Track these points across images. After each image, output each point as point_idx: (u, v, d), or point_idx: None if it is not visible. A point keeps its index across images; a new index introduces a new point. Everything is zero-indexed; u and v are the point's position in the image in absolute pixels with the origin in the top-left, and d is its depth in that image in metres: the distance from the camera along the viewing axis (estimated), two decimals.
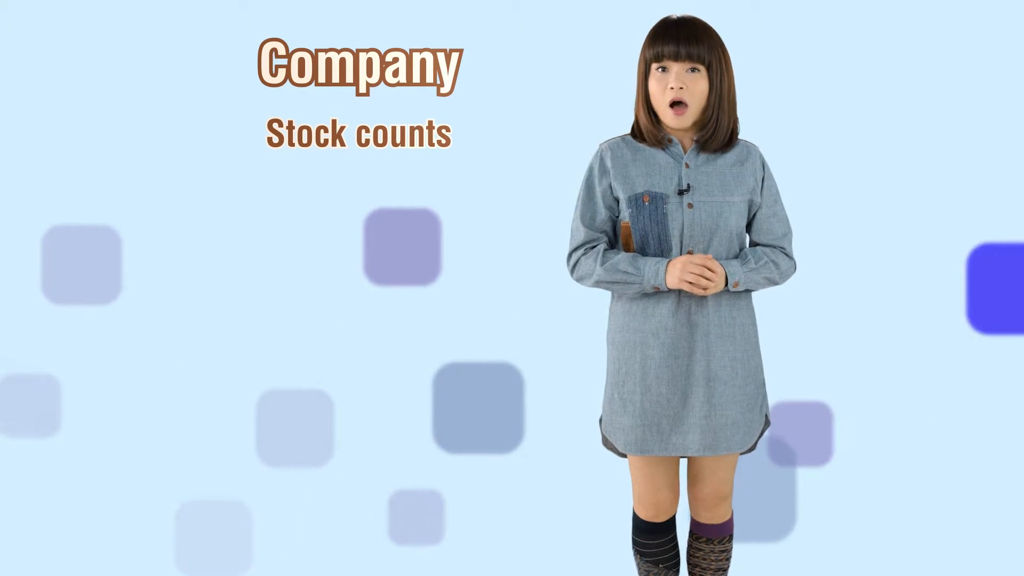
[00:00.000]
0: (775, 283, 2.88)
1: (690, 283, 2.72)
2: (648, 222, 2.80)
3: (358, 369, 3.85)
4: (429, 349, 3.83)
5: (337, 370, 3.84)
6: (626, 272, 2.77)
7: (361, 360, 3.85)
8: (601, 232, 2.85)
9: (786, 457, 3.79)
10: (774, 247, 2.88)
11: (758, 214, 2.87)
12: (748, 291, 2.87)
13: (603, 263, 2.79)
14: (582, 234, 2.85)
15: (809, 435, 3.81)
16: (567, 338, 3.75)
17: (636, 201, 2.80)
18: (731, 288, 2.78)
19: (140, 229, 3.80)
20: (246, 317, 3.83)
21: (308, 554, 3.72)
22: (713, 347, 2.80)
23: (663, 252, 2.80)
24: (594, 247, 2.84)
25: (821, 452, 3.82)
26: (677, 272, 2.72)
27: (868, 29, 3.78)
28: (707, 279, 2.72)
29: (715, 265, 2.73)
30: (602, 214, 2.85)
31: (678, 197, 2.80)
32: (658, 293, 2.79)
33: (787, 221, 2.91)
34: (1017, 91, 3.80)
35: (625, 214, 2.82)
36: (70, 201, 3.78)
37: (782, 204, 2.91)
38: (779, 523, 3.76)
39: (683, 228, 2.79)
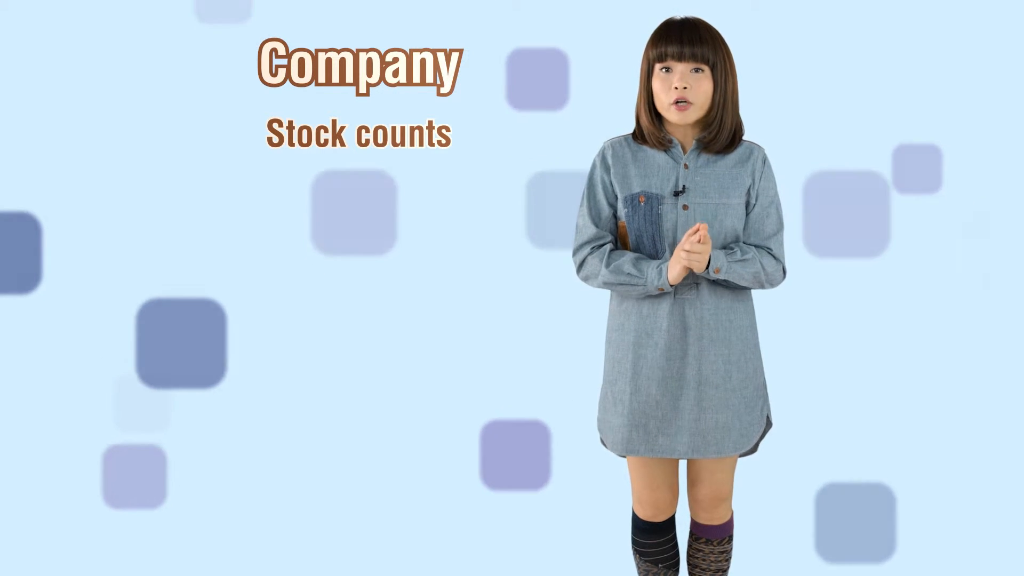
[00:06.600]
0: (762, 284, 2.84)
1: (687, 252, 2.68)
2: (642, 222, 2.80)
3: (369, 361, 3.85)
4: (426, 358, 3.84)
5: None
6: (630, 274, 2.77)
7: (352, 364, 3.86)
8: (607, 230, 2.85)
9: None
10: (760, 247, 2.86)
11: (751, 213, 2.86)
12: (746, 290, 2.86)
13: (608, 264, 2.79)
14: (589, 231, 2.85)
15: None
16: (567, 336, 3.75)
17: (632, 201, 2.81)
18: (712, 274, 2.76)
19: (139, 230, 3.80)
20: (243, 315, 3.83)
21: None
22: (706, 350, 2.80)
23: (657, 253, 2.80)
24: (601, 246, 2.84)
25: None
26: (677, 260, 2.70)
27: (869, 29, 3.78)
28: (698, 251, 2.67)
29: (705, 236, 2.67)
30: (606, 211, 2.85)
31: (673, 198, 2.80)
32: (656, 295, 2.79)
33: (779, 223, 2.88)
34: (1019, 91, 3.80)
35: (622, 213, 2.83)
36: (68, 202, 3.79)
37: (778, 205, 2.89)
38: None
39: (676, 229, 2.79)
